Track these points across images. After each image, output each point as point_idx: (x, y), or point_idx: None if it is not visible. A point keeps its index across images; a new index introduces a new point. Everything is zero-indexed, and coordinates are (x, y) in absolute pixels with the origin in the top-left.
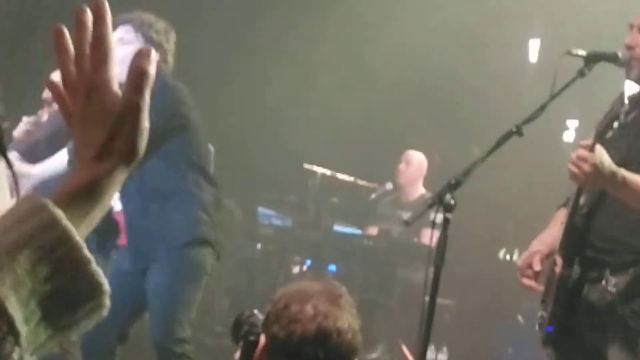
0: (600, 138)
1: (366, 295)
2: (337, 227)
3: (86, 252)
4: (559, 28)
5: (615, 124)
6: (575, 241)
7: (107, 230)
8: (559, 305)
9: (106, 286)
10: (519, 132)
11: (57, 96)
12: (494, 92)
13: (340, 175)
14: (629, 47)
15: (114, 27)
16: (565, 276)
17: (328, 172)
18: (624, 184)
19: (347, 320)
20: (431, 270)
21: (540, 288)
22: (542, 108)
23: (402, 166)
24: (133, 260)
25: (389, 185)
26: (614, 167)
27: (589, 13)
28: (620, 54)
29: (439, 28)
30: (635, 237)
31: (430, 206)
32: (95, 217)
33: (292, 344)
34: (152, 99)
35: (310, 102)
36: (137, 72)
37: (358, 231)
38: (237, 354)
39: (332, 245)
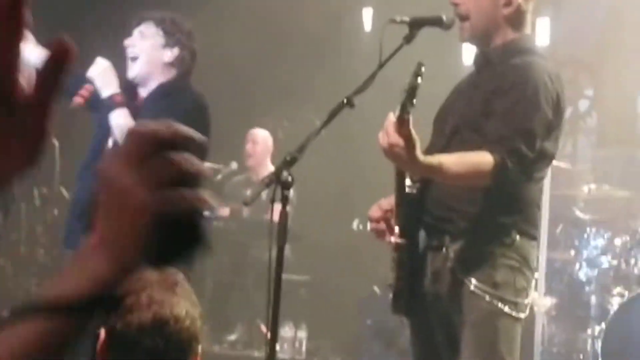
0: (403, 111)
1: (220, 277)
2: None
3: None
4: None
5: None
6: (412, 210)
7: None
8: (402, 274)
9: None
10: (349, 103)
11: None
12: (332, 63)
13: None
14: (454, 4)
15: (137, 24)
16: (400, 246)
17: None
18: (420, 167)
19: (185, 307)
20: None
21: (383, 227)
22: (372, 77)
23: (249, 146)
24: None
25: (234, 165)
26: (415, 152)
27: None
28: (444, 17)
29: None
30: (469, 205)
31: (267, 185)
32: None
33: (129, 334)
34: (174, 108)
35: None
36: (52, 65)
37: (206, 213)
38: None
39: None
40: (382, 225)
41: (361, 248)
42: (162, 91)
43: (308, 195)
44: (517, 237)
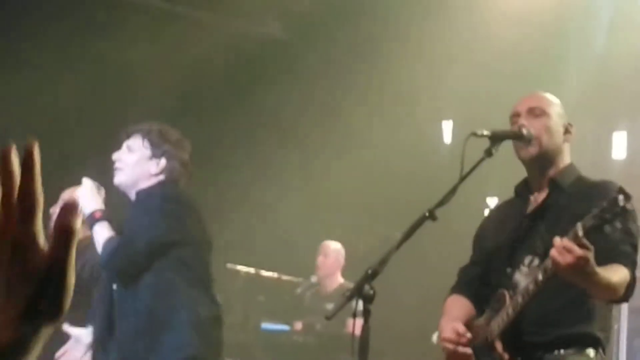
0: (592, 230)
1: None
2: (265, 325)
3: None
4: (471, 108)
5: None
6: (517, 327)
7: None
8: None
9: None
10: (431, 216)
11: None
12: (411, 175)
13: (264, 272)
14: (521, 126)
15: (126, 138)
16: None
17: (252, 270)
18: (594, 278)
19: None
20: None
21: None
22: (453, 191)
23: (320, 258)
24: None
25: (313, 278)
26: (595, 267)
27: (502, 92)
28: (524, 132)
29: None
30: (564, 326)
31: (349, 298)
32: None
33: None
34: (144, 205)
35: (225, 201)
36: (62, 229)
37: (286, 327)
38: None
39: (261, 344)
40: (463, 340)
41: None
42: (140, 195)
43: (387, 308)
44: (592, 351)
